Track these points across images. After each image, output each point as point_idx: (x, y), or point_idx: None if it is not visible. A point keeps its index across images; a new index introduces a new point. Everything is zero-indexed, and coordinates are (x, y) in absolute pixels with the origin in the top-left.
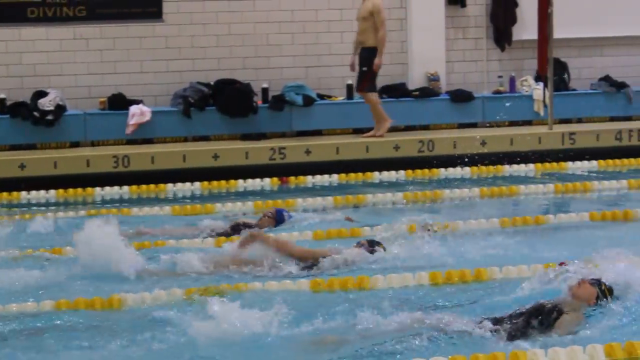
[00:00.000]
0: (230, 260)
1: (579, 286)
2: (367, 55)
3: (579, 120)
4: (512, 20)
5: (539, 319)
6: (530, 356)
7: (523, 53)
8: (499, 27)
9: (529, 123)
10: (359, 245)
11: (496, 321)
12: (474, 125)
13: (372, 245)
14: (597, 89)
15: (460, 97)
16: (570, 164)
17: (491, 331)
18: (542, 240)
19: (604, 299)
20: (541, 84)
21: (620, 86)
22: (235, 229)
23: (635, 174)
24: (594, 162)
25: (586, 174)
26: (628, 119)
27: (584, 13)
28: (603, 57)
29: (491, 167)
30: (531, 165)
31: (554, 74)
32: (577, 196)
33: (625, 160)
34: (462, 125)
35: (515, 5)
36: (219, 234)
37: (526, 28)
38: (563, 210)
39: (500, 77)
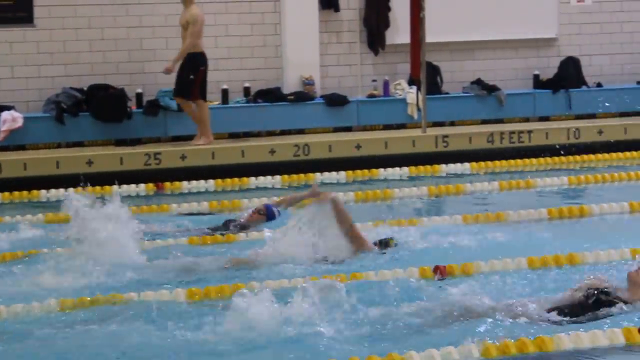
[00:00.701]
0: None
1: (637, 273)
2: (192, 62)
3: (452, 123)
4: (385, 24)
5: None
6: (556, 340)
7: (396, 57)
8: (372, 32)
9: (403, 126)
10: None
11: (557, 308)
12: (349, 128)
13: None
14: (469, 92)
15: (335, 101)
16: (443, 166)
17: (555, 320)
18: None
19: None
20: (414, 88)
21: (492, 89)
22: (226, 225)
23: (505, 175)
24: (467, 164)
25: (459, 175)
26: (500, 121)
27: (456, 17)
28: (475, 60)
29: (366, 171)
30: (405, 168)
31: (427, 77)
32: (450, 198)
33: (497, 162)
34: (337, 129)
35: (388, 9)
36: (213, 230)
37: (399, 32)
38: (437, 213)
39: (374, 80)
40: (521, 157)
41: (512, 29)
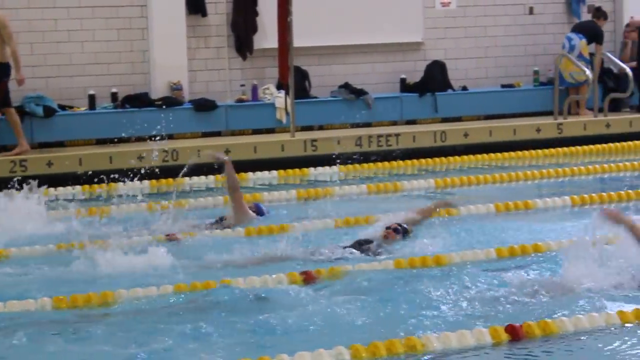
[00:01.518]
0: None
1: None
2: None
3: (321, 127)
4: (253, 29)
5: None
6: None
7: (264, 61)
8: (240, 36)
9: (272, 131)
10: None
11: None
12: (217, 133)
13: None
14: (337, 96)
15: (204, 106)
16: (312, 170)
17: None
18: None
19: None
20: (283, 92)
21: (360, 93)
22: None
23: (372, 179)
24: (335, 168)
25: (328, 179)
26: (368, 125)
27: (324, 22)
28: (342, 65)
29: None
30: (274, 172)
31: (295, 82)
32: (320, 201)
33: (365, 165)
34: (206, 134)
35: (256, 14)
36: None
37: (267, 37)
38: (305, 217)
39: (242, 85)
40: (389, 161)
41: (379, 33)
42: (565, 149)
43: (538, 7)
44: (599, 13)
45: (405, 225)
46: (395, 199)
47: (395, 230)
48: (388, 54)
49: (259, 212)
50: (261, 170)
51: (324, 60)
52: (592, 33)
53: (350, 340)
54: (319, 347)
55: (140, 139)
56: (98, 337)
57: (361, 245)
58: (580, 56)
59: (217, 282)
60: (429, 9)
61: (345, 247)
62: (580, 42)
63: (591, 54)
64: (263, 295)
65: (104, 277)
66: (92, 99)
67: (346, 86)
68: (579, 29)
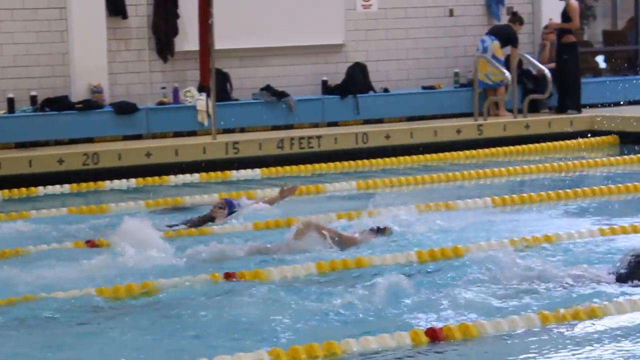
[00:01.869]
0: (285, 248)
1: None
2: None
3: (242, 130)
4: (174, 31)
5: None
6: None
7: (185, 64)
8: (160, 39)
9: (193, 133)
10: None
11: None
12: (139, 136)
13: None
14: (259, 99)
15: (124, 108)
16: (234, 172)
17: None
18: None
19: None
20: (204, 95)
21: (282, 95)
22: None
23: (294, 181)
24: (258, 170)
25: (250, 181)
26: (290, 127)
27: (245, 24)
28: (264, 67)
29: (157, 178)
30: (196, 175)
31: (217, 84)
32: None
33: (288, 168)
34: (126, 137)
35: (177, 16)
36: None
37: (188, 39)
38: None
39: (163, 88)
40: (311, 163)
41: (300, 35)
42: (486, 150)
43: (458, 9)
44: (514, 18)
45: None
46: (318, 200)
47: (219, 206)
48: (309, 56)
49: (230, 208)
50: (183, 173)
51: (246, 63)
52: (506, 37)
53: (273, 344)
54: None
55: (59, 143)
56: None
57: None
58: (493, 57)
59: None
60: (350, 11)
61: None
62: (492, 43)
63: (508, 56)
64: (183, 296)
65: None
66: (10, 102)
67: (268, 88)
68: (493, 31)
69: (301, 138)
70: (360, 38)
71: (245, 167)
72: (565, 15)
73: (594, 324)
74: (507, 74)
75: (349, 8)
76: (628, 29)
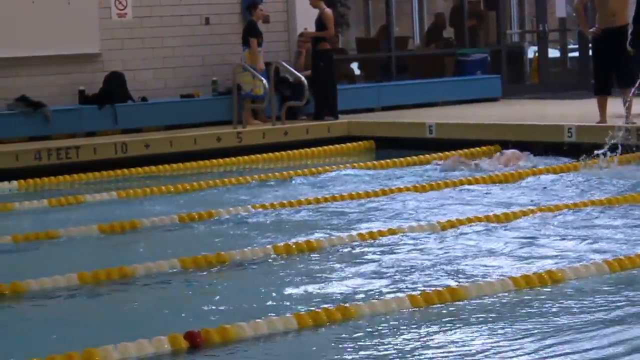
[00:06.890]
0: None
1: None
2: None
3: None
4: None
5: None
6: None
7: None
8: None
9: None
10: None
11: None
12: None
13: None
14: (14, 110)
15: None
16: None
17: None
18: None
19: None
20: None
21: (37, 106)
22: None
23: (53, 193)
24: (15, 183)
25: (7, 194)
26: (47, 138)
27: None
28: (18, 77)
29: None
30: None
31: None
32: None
33: (46, 179)
34: None
35: None
36: None
37: None
38: None
39: None
40: (69, 173)
41: (55, 44)
42: (246, 157)
43: (214, 17)
44: (251, 6)
45: None
46: (77, 210)
47: None
48: (65, 66)
49: None
50: None
51: None
52: (245, 34)
53: None
54: None
55: None
56: None
57: None
58: (252, 67)
59: None
60: (105, 20)
61: None
62: (244, 53)
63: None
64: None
65: None
66: None
67: (23, 99)
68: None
69: (59, 149)
70: (116, 47)
71: (1, 180)
72: (320, 23)
73: None
74: (265, 82)
75: (103, 17)
76: (380, 37)
